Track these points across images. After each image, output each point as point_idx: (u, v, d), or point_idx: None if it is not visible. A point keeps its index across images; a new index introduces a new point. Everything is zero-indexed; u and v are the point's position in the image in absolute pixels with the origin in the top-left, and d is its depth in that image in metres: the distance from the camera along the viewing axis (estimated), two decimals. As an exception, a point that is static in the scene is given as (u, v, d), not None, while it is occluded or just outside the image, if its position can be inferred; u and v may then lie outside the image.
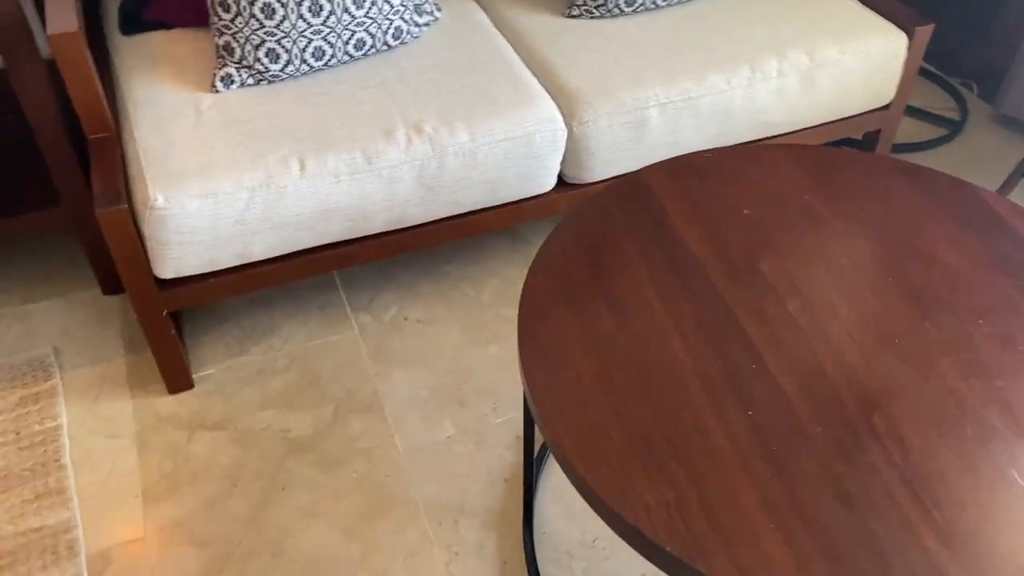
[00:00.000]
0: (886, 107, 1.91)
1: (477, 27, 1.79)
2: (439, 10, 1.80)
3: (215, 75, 1.58)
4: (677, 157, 1.38)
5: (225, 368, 1.73)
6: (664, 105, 1.65)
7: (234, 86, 1.58)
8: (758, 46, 1.74)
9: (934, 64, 2.53)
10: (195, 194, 1.40)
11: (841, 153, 1.39)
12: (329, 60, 1.61)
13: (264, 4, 1.50)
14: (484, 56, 1.69)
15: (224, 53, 1.56)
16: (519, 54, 1.76)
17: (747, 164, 1.37)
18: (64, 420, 1.63)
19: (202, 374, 1.72)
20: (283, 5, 1.50)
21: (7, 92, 1.94)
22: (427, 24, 1.76)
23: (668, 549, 0.88)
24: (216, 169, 1.43)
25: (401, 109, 1.56)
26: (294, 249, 1.55)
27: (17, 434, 1.60)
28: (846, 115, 1.86)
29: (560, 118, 1.61)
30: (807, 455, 0.96)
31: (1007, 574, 0.85)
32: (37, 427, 1.61)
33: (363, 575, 1.40)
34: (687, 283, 1.16)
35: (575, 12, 1.81)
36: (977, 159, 2.27)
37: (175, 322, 1.76)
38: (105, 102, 1.45)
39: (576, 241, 1.23)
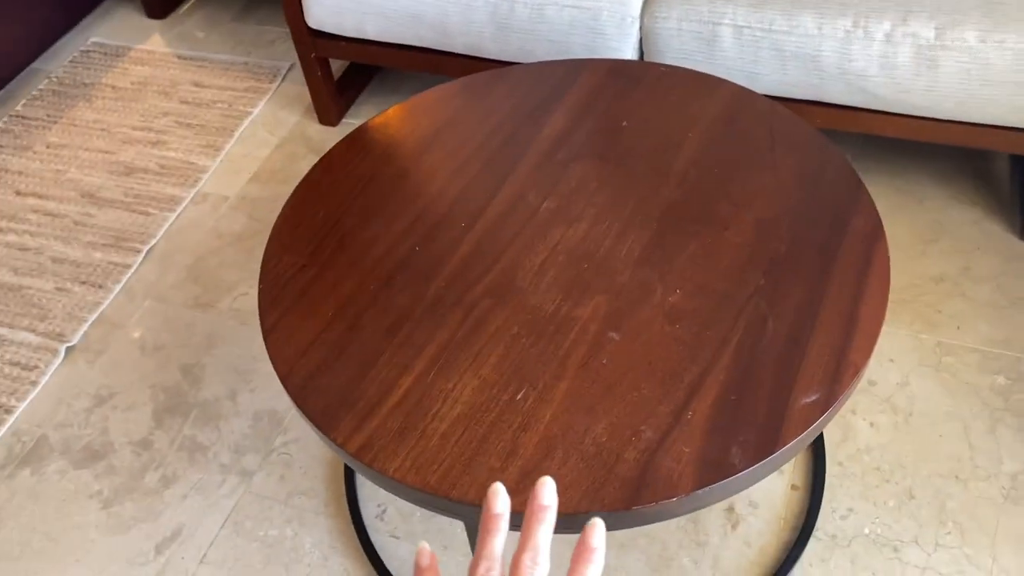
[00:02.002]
0: (1066, 134, 1.52)
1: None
2: None
3: None
4: (638, 62, 1.40)
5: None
6: (740, 28, 1.58)
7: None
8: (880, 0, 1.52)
9: None
10: (328, -33, 1.82)
11: (788, 118, 1.28)
12: None
13: None
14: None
15: None
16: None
17: (689, 90, 1.34)
18: (256, 111, 2.26)
19: (349, 121, 2.21)
20: None
21: None
22: None
23: (261, 286, 1.14)
24: (352, -46, 1.82)
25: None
26: (399, 41, 1.90)
27: (229, 105, 2.28)
28: (989, 122, 1.54)
29: (637, 4, 1.65)
30: (405, 288, 1.11)
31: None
32: (240, 108, 2.27)
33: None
34: (499, 154, 1.28)
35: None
36: None
37: (366, 80, 2.26)
38: None
39: (463, 88, 1.39)
